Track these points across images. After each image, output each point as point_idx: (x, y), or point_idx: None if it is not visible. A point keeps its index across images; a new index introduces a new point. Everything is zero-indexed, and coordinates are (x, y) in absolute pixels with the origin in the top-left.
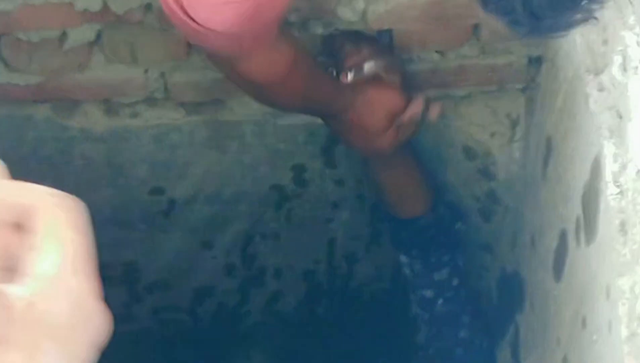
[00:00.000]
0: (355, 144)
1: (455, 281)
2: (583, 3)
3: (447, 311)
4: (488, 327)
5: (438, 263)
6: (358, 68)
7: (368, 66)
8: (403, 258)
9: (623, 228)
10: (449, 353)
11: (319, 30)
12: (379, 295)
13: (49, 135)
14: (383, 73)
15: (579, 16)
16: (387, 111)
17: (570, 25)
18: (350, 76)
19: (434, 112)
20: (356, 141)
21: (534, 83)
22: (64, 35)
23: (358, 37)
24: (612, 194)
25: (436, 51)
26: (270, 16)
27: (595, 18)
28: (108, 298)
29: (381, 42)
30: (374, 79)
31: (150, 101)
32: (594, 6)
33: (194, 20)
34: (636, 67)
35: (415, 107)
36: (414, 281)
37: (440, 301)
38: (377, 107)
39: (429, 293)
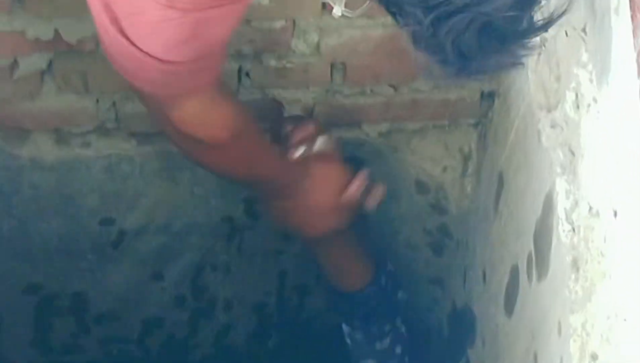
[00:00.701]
0: (299, 225)
1: (398, 350)
2: (512, 47)
3: None
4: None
5: (380, 332)
6: (309, 143)
7: (320, 141)
8: (345, 328)
9: (575, 264)
10: None
11: (273, 62)
12: (330, 328)
13: None
14: (332, 148)
15: (507, 60)
16: (337, 188)
17: (498, 68)
18: (299, 152)
19: (377, 194)
20: (302, 221)
21: (487, 118)
22: (14, 64)
23: (298, 117)
24: (564, 231)
25: (389, 85)
26: (211, 43)
27: (523, 63)
28: (56, 329)
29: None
30: (323, 156)
31: (102, 131)
32: (523, 52)
33: (132, 42)
34: (589, 105)
35: (360, 181)
36: (356, 350)
37: None
38: (327, 185)
39: None
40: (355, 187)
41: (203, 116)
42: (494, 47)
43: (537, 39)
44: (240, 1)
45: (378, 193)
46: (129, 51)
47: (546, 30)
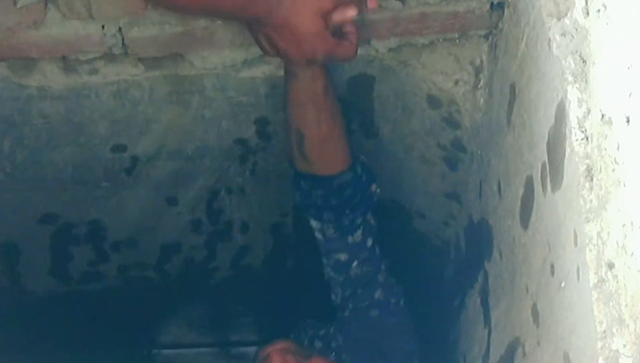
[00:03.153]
0: (287, 54)
1: (369, 242)
2: None
3: (362, 273)
4: (457, 275)
5: (352, 225)
6: None
7: None
8: (314, 223)
9: (589, 173)
10: (364, 314)
11: None
12: None
13: (7, 94)
14: None
15: None
16: (317, 8)
17: None
18: None
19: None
20: (288, 48)
21: (497, 29)
22: None
23: None
24: (577, 140)
25: None
26: None
27: None
28: (74, 257)
29: None
30: None
31: (109, 57)
32: None
33: None
34: (598, 11)
35: (350, 7)
36: (327, 245)
37: (354, 263)
38: (309, 6)
39: (343, 257)
40: (343, 10)
41: None
42: None
43: None
44: None
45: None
46: None
47: None
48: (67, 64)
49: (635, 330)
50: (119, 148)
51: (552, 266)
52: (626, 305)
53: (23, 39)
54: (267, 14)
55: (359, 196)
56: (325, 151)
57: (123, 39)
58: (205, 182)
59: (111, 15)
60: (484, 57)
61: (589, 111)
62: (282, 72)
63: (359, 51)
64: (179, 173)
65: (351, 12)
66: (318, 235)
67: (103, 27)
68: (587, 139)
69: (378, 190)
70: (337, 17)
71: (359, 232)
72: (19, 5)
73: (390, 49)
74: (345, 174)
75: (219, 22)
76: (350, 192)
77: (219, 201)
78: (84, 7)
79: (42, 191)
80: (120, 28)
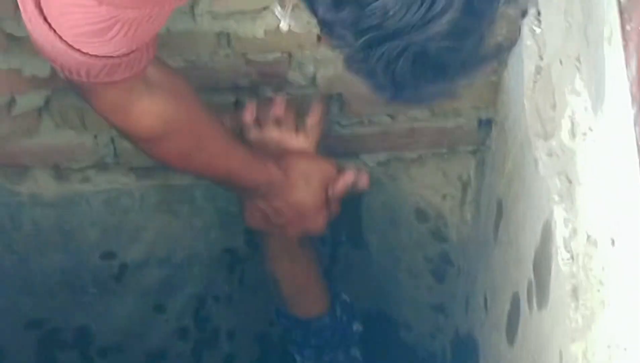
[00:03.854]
0: (285, 229)
1: None
2: (445, 78)
3: None
4: None
5: (333, 361)
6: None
7: (299, 139)
8: (297, 358)
9: (574, 293)
10: None
11: (269, 95)
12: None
13: None
14: (313, 143)
15: (446, 88)
16: (322, 184)
17: (432, 98)
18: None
19: (363, 181)
20: (289, 223)
21: (485, 146)
22: (12, 101)
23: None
24: (563, 260)
25: (387, 114)
26: (127, 42)
27: (456, 95)
28: None
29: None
30: (301, 152)
31: (101, 166)
32: (455, 83)
33: (46, 20)
34: (584, 133)
35: (348, 176)
36: None
37: None
38: (311, 182)
39: None
40: (343, 183)
41: (124, 108)
42: (429, 77)
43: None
44: (163, 6)
45: (364, 178)
46: (42, 29)
47: (487, 64)
48: (59, 172)
49: None
50: (109, 255)
51: None
52: None
53: (16, 147)
54: (268, 187)
55: (339, 337)
56: (301, 298)
57: (115, 149)
58: (193, 290)
59: (104, 125)
60: (471, 172)
61: (575, 231)
62: None
63: (349, 164)
64: (167, 281)
65: (350, 177)
66: None
67: (96, 136)
68: (572, 259)
69: (360, 328)
70: (341, 186)
71: None
72: (13, 114)
73: (379, 163)
74: (323, 319)
75: None
76: (329, 334)
77: (206, 309)
78: (78, 117)
79: (30, 296)
80: (112, 138)
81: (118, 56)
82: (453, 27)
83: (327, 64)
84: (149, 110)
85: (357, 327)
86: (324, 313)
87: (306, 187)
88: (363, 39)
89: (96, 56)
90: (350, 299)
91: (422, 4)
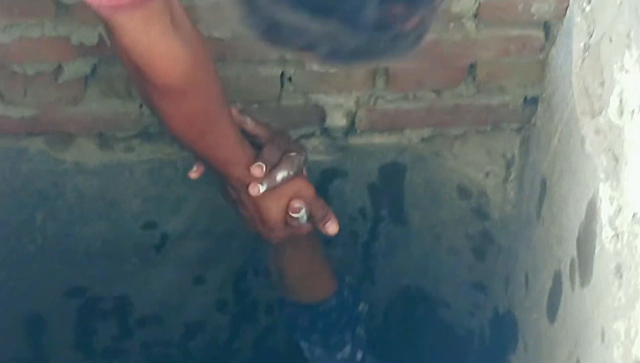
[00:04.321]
0: (245, 221)
1: (359, 355)
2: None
3: None
4: None
5: (340, 343)
6: (271, 178)
7: (281, 176)
8: (303, 344)
9: (618, 271)
10: None
11: (315, 67)
12: (370, 331)
13: (43, 168)
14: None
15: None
16: (285, 205)
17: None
18: (261, 188)
19: (331, 229)
20: (248, 218)
21: (530, 124)
22: (59, 69)
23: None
24: (607, 237)
25: (432, 90)
26: None
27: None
28: (99, 332)
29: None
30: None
31: (145, 136)
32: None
33: None
34: (632, 111)
35: (294, 207)
36: None
37: None
38: (284, 194)
39: None
40: (291, 210)
41: (147, 45)
42: (307, 6)
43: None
44: None
45: (331, 224)
46: None
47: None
48: (104, 141)
49: None
50: (150, 225)
51: (578, 362)
52: None
53: (62, 115)
54: (241, 183)
55: (346, 317)
56: (305, 285)
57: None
58: (232, 262)
59: None
60: (515, 150)
61: (620, 209)
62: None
63: (393, 139)
64: (207, 253)
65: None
66: (307, 354)
67: (141, 106)
68: (617, 237)
69: (366, 308)
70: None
71: (348, 348)
72: (60, 82)
73: (423, 139)
74: (330, 302)
75: (255, 105)
76: (336, 315)
77: (245, 282)
78: (124, 86)
79: (71, 265)
80: None
81: None
82: None
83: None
84: (174, 53)
85: (362, 306)
86: (331, 295)
87: (276, 199)
88: None
89: None
90: (354, 281)
91: None
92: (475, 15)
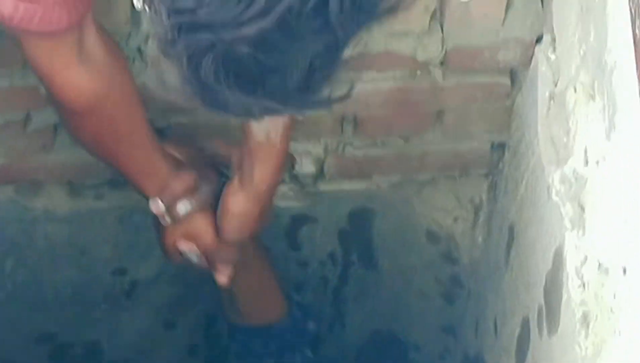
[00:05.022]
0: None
1: None
2: (256, 93)
3: None
4: None
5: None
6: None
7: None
8: None
9: (585, 320)
10: None
11: None
12: None
13: (12, 216)
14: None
15: (262, 106)
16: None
17: (251, 111)
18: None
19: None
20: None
21: (497, 169)
22: (28, 118)
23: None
24: (574, 287)
25: (400, 137)
26: None
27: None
28: None
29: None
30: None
31: (114, 183)
32: (276, 103)
33: None
34: (597, 162)
35: (184, 246)
36: None
37: None
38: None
39: None
40: (180, 247)
41: (51, 73)
42: (233, 85)
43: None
44: None
45: (219, 277)
46: None
47: (315, 102)
48: (73, 189)
49: None
50: (120, 271)
51: None
52: None
53: (32, 163)
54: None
55: (298, 337)
56: (258, 306)
57: None
58: (203, 307)
59: None
60: (483, 195)
61: (586, 259)
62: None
63: (362, 185)
64: (178, 298)
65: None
66: None
67: None
68: (584, 286)
69: (315, 326)
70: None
71: None
72: (29, 130)
73: (391, 185)
74: (283, 322)
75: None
76: (289, 336)
77: (217, 327)
78: None
79: (41, 311)
80: None
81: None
82: (262, 39)
83: (341, 86)
84: (75, 84)
85: (312, 325)
86: (283, 315)
87: (173, 228)
88: (175, 20)
89: None
90: (303, 299)
91: (239, 3)
92: (442, 63)
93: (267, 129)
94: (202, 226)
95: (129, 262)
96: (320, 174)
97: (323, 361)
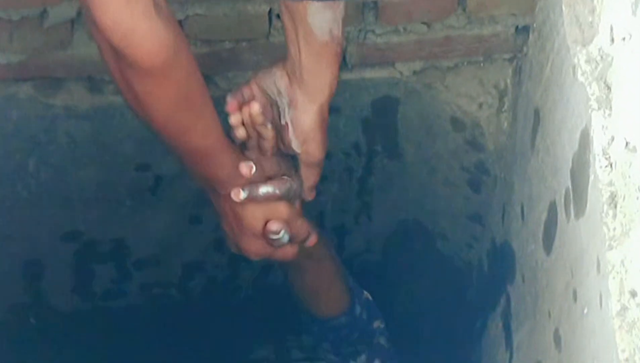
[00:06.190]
0: (225, 234)
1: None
2: None
3: None
4: (479, 297)
5: (353, 351)
6: (254, 188)
7: (265, 190)
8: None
9: (612, 201)
10: None
11: None
12: (369, 267)
13: (33, 114)
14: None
15: None
16: (269, 218)
17: None
18: (242, 194)
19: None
20: (225, 226)
21: (522, 53)
22: (44, 13)
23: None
24: (601, 167)
25: (422, 22)
26: None
27: None
28: (97, 275)
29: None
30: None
31: None
32: None
33: None
34: (623, 39)
35: (274, 226)
36: None
37: None
38: (260, 210)
39: None
40: (269, 231)
41: (129, 26)
42: None
43: None
44: None
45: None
46: None
47: None
48: (93, 84)
49: None
50: (143, 167)
51: (575, 292)
52: None
53: (50, 59)
54: (222, 186)
55: (357, 334)
56: (316, 300)
57: None
58: None
59: None
60: (508, 80)
61: (613, 138)
62: None
63: (385, 73)
64: (203, 193)
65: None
66: (322, 358)
67: None
68: (611, 166)
69: (382, 325)
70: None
71: (364, 356)
72: (46, 26)
73: (414, 72)
74: (339, 319)
75: (244, 43)
76: (346, 332)
77: None
78: None
79: (66, 209)
80: None
81: None
82: None
83: None
84: (156, 33)
85: (378, 324)
86: (341, 313)
87: (255, 212)
88: None
89: None
90: (372, 297)
91: None
92: None
93: (329, 26)
94: (284, 207)
95: (152, 157)
96: (342, 63)
97: (350, 252)
